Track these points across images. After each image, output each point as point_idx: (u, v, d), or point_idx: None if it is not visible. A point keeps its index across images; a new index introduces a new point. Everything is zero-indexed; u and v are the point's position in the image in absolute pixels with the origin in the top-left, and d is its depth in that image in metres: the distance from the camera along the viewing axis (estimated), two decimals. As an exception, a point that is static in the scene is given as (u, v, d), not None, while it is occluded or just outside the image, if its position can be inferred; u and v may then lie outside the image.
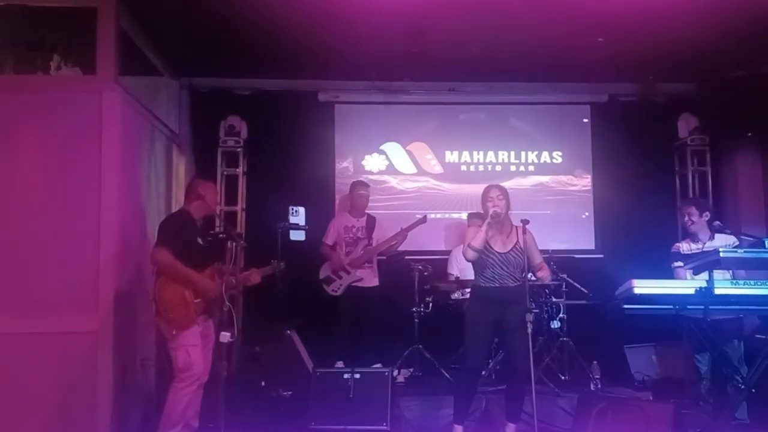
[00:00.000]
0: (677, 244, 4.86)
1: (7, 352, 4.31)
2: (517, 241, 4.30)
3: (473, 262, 4.35)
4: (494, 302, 4.25)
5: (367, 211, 5.99)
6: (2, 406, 4.26)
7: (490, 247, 4.26)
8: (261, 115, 6.53)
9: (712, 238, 4.69)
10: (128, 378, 4.67)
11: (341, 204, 6.42)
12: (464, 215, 6.17)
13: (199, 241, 4.29)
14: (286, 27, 5.06)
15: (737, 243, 4.56)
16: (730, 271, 4.29)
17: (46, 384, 4.33)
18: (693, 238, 4.78)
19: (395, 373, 5.41)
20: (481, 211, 5.51)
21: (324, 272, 5.78)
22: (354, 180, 6.14)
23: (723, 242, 4.55)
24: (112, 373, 4.41)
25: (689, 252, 4.67)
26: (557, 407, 4.94)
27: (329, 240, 5.85)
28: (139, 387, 4.91)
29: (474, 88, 6.72)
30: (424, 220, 5.87)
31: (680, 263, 4.54)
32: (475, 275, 4.40)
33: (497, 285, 4.26)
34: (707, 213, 4.73)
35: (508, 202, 4.37)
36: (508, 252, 4.27)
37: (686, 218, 4.78)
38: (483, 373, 5.31)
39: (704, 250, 4.51)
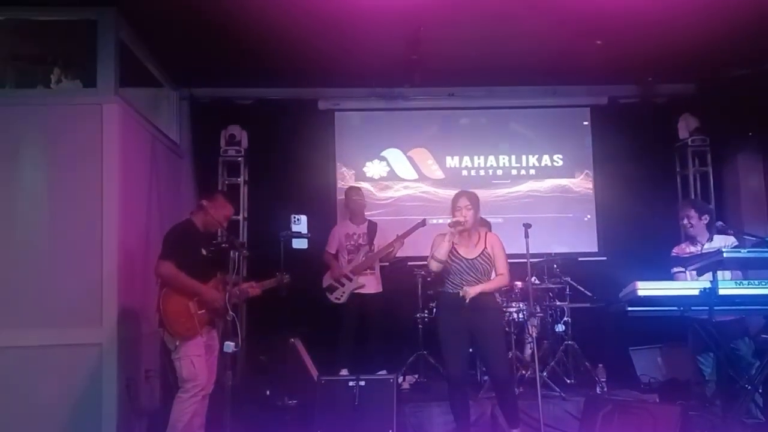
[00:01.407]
0: (676, 248, 4.81)
1: (12, 365, 4.33)
2: (485, 247, 4.27)
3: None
4: (462, 308, 4.16)
5: (368, 218, 5.99)
6: (8, 418, 4.27)
7: (457, 252, 4.23)
8: (262, 124, 6.55)
9: (710, 239, 4.66)
10: (133, 389, 4.66)
11: (341, 212, 6.43)
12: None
13: (203, 251, 4.29)
14: (285, 36, 5.08)
15: (736, 243, 4.54)
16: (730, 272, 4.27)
17: (51, 396, 4.34)
18: (692, 240, 4.74)
19: (400, 379, 5.40)
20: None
21: (326, 281, 5.78)
22: (347, 187, 6.15)
23: (722, 243, 4.52)
24: (117, 385, 4.42)
25: (689, 254, 4.63)
26: (563, 411, 4.93)
27: (331, 248, 5.85)
28: (144, 398, 4.90)
29: (474, 92, 6.73)
30: (423, 223, 5.86)
31: (680, 269, 4.52)
32: (443, 282, 4.34)
33: None
34: (706, 216, 4.68)
35: (477, 210, 4.31)
36: (475, 258, 4.24)
37: (685, 221, 4.70)
38: (486, 378, 5.31)
39: (703, 252, 4.49)
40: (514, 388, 4.28)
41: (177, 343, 4.09)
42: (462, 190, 4.46)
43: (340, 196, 6.53)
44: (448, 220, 4.30)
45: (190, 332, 4.09)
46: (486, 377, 5.30)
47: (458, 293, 4.16)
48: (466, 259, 4.23)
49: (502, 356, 4.34)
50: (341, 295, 5.70)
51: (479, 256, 4.25)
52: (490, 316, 4.27)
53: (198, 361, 4.10)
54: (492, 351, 4.23)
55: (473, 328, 4.19)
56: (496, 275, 4.32)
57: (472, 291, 4.12)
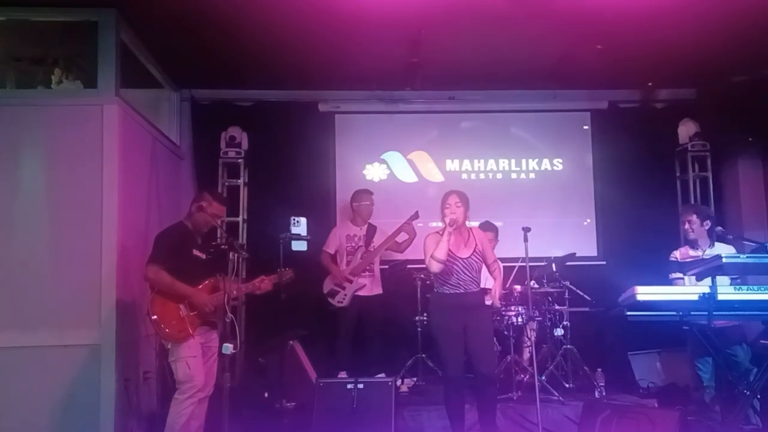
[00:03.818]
0: (674, 252, 4.79)
1: (10, 366, 4.32)
2: (477, 245, 4.36)
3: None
4: (459, 308, 4.26)
5: (368, 221, 5.98)
6: (6, 418, 4.27)
7: (453, 254, 4.28)
8: (262, 126, 6.55)
9: (712, 245, 4.66)
10: (131, 391, 4.66)
11: (343, 213, 6.42)
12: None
13: (196, 253, 4.27)
14: (285, 38, 5.09)
15: (735, 253, 4.53)
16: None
17: (49, 397, 4.34)
18: (692, 244, 4.74)
19: (399, 382, 5.39)
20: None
21: (327, 286, 5.76)
22: (357, 189, 6.09)
23: (723, 251, 4.51)
24: (115, 386, 4.41)
25: (688, 259, 4.62)
26: (562, 415, 4.92)
27: (330, 249, 5.84)
28: (141, 400, 4.90)
29: (474, 96, 6.74)
30: (416, 216, 5.83)
31: (678, 274, 4.51)
32: (438, 283, 4.38)
33: (462, 291, 4.29)
34: (708, 221, 4.67)
35: (467, 207, 4.38)
36: (469, 257, 4.31)
37: (686, 225, 4.68)
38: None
39: (704, 257, 4.48)
40: (496, 387, 4.32)
41: (169, 346, 4.11)
42: (450, 189, 4.51)
43: (340, 199, 6.54)
44: (438, 224, 4.33)
45: (181, 334, 4.09)
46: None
47: (457, 293, 4.25)
48: (462, 259, 4.29)
49: (490, 352, 4.40)
50: (343, 298, 5.68)
51: (473, 254, 4.32)
52: (483, 313, 4.37)
53: (193, 362, 4.09)
54: (482, 346, 4.27)
55: (468, 325, 4.25)
56: (489, 265, 4.44)
57: (498, 299, 4.46)
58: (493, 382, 4.33)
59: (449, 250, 4.25)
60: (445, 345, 4.25)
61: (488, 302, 4.47)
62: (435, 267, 4.24)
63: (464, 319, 4.24)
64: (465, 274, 4.28)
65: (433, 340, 4.35)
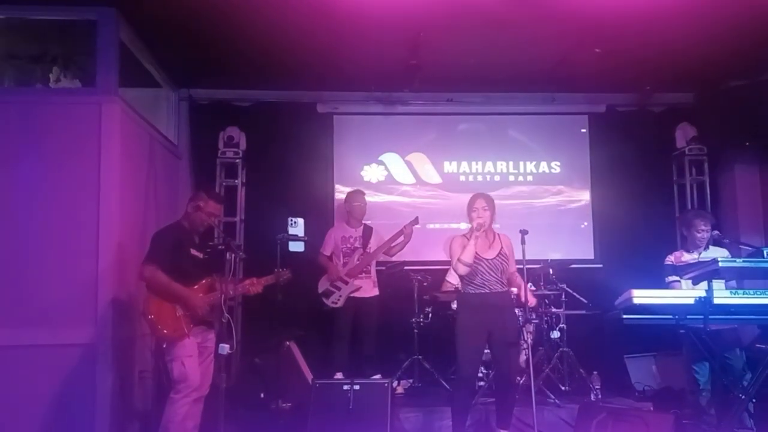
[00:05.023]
0: (669, 256, 4.81)
1: (4, 365, 4.31)
2: (502, 247, 4.40)
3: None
4: (485, 308, 4.27)
5: (364, 222, 5.98)
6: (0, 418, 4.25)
7: (479, 254, 4.31)
8: (260, 126, 6.54)
9: (707, 248, 4.68)
10: (126, 390, 4.65)
11: (339, 214, 6.42)
12: (463, 225, 6.16)
13: (194, 252, 4.27)
14: (284, 38, 5.09)
15: (729, 255, 4.55)
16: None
17: (44, 396, 4.33)
18: (689, 248, 4.76)
19: (395, 384, 5.39)
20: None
21: (322, 285, 5.75)
22: (350, 190, 6.11)
23: (717, 254, 4.53)
24: (110, 386, 4.41)
25: (684, 263, 4.63)
26: (557, 418, 4.93)
27: (326, 250, 5.84)
28: (137, 399, 4.89)
29: (473, 98, 6.74)
30: (415, 221, 5.86)
31: (675, 277, 4.54)
32: (464, 284, 4.42)
33: (487, 291, 4.31)
34: (712, 228, 4.73)
35: (493, 211, 4.43)
36: (494, 258, 4.34)
37: (704, 234, 4.67)
38: (482, 384, 5.31)
39: (700, 260, 4.50)
40: (516, 391, 4.33)
41: (165, 345, 4.10)
42: (478, 192, 4.57)
43: (338, 200, 6.53)
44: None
45: (177, 333, 4.09)
46: (481, 383, 5.31)
47: (483, 293, 4.28)
48: (487, 260, 4.33)
49: (515, 357, 4.42)
50: (338, 299, 5.68)
51: (498, 255, 4.36)
52: (509, 316, 4.39)
53: (189, 361, 4.09)
54: (507, 350, 4.30)
55: (493, 326, 4.27)
56: (511, 274, 4.50)
57: (534, 299, 4.64)
58: (515, 387, 4.39)
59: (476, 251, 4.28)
60: (465, 343, 4.27)
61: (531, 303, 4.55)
62: (462, 270, 4.29)
63: (489, 320, 4.26)
64: (490, 274, 4.31)
65: (454, 338, 4.34)
